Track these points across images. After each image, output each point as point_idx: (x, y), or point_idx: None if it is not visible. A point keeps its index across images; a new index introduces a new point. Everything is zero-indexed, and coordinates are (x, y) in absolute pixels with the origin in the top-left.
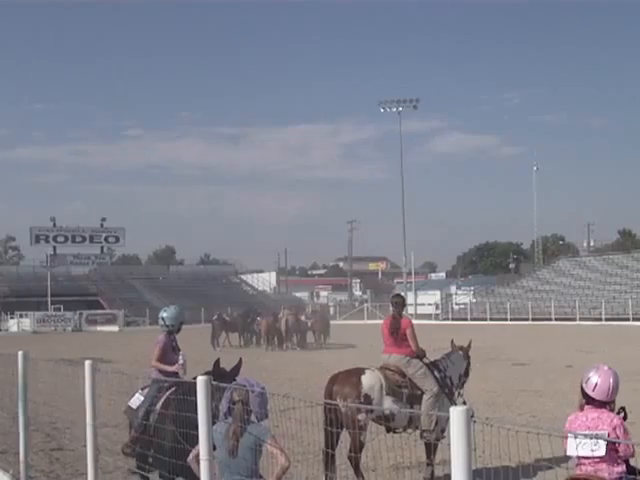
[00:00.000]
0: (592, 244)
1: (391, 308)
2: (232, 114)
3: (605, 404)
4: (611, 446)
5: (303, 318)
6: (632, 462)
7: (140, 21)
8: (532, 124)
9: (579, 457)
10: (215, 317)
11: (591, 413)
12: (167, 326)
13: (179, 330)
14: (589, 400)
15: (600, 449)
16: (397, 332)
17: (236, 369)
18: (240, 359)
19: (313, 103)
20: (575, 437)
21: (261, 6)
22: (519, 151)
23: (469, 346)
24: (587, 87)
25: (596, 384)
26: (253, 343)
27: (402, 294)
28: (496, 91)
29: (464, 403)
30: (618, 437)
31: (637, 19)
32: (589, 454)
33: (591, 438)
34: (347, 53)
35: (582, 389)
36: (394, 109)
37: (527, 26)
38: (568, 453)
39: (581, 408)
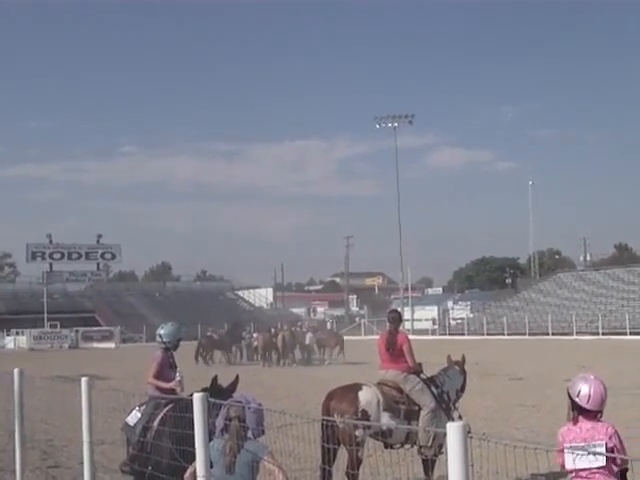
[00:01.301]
0: (588, 258)
1: (387, 324)
2: (227, 130)
3: (596, 414)
4: (609, 460)
5: (307, 334)
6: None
7: (133, 38)
8: (527, 139)
9: (577, 470)
10: (208, 333)
11: (585, 424)
12: (164, 343)
13: (176, 347)
14: (582, 412)
15: (599, 459)
16: (394, 348)
17: (233, 385)
18: (237, 376)
19: (308, 119)
20: (572, 450)
21: (255, 22)
22: (514, 166)
23: (463, 361)
24: (581, 102)
25: (589, 395)
26: (238, 360)
27: (398, 309)
28: (491, 106)
29: (460, 418)
30: (615, 446)
31: (630, 35)
32: (587, 465)
33: (589, 453)
34: (342, 69)
35: (573, 402)
36: (389, 124)
37: (521, 41)
38: (567, 467)
39: (574, 421)
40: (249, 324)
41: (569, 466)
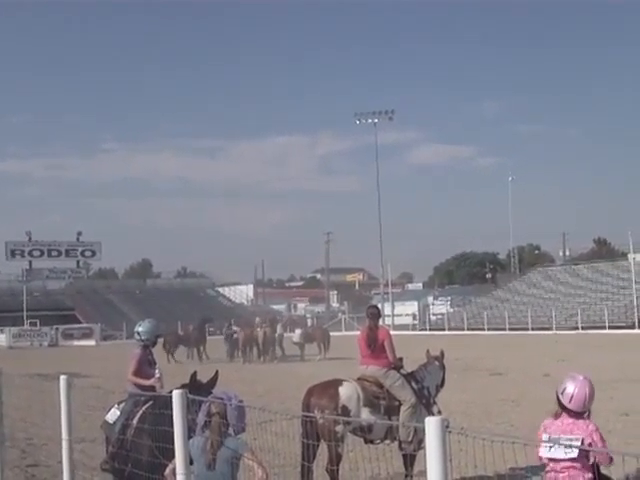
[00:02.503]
0: (567, 253)
1: (367, 319)
2: (210, 127)
3: (581, 414)
4: (583, 454)
5: (296, 330)
6: (603, 469)
7: (117, 34)
8: (508, 134)
9: (550, 460)
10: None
11: (566, 419)
12: (143, 340)
13: (155, 344)
14: (565, 410)
15: (573, 451)
16: (374, 344)
17: (212, 382)
18: (217, 371)
19: (290, 115)
20: (549, 441)
21: (238, 20)
22: (495, 161)
23: (442, 356)
24: (562, 98)
25: (572, 395)
26: (200, 358)
27: (377, 305)
28: (471, 102)
29: (439, 413)
30: (594, 441)
31: (613, 32)
32: (562, 456)
33: (564, 445)
34: (324, 64)
35: (558, 399)
36: (369, 120)
37: (504, 37)
38: (540, 454)
39: (556, 416)
40: (229, 320)
41: (544, 454)
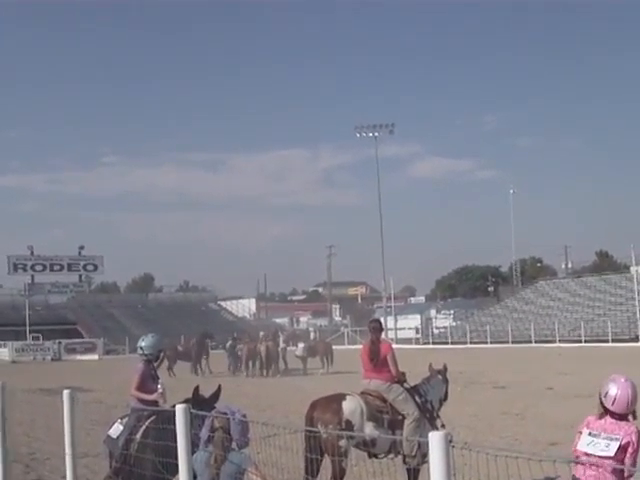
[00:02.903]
0: (570, 266)
1: (369, 333)
2: (210, 140)
3: (624, 416)
4: (620, 454)
5: (299, 343)
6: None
7: (116, 48)
8: (508, 147)
9: (585, 454)
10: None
11: (610, 419)
12: (146, 355)
13: (158, 358)
14: (609, 413)
15: (610, 450)
16: (377, 357)
17: (215, 396)
18: (219, 385)
19: (291, 129)
20: (589, 434)
21: (238, 33)
22: (496, 174)
23: (445, 369)
24: (563, 110)
25: (615, 398)
26: (202, 372)
27: (379, 318)
28: (472, 115)
29: (443, 427)
30: (632, 442)
31: (613, 44)
32: (598, 453)
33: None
34: (324, 78)
35: (601, 402)
36: (370, 134)
37: (503, 50)
38: (578, 448)
39: (600, 416)
40: (232, 334)
41: (581, 448)
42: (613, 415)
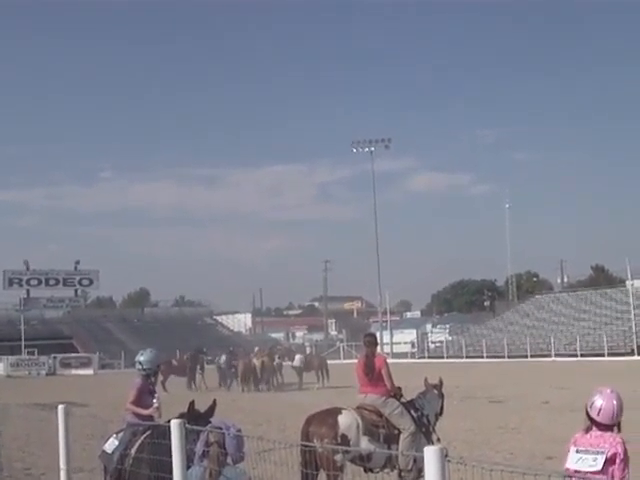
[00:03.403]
0: (566, 280)
1: (364, 347)
2: (207, 156)
3: (610, 427)
4: (608, 466)
5: (297, 355)
6: None
7: (114, 62)
8: (504, 162)
9: (575, 472)
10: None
11: (595, 432)
12: (145, 370)
13: (156, 373)
14: (595, 424)
15: (597, 465)
16: (372, 372)
17: (210, 410)
18: (214, 400)
19: (288, 144)
20: (577, 451)
21: (234, 49)
22: (492, 189)
23: (441, 384)
24: (559, 124)
25: (600, 408)
26: (197, 387)
27: (374, 333)
28: (468, 129)
29: (438, 441)
30: (618, 453)
31: (608, 57)
32: (587, 469)
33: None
34: (319, 93)
35: (587, 413)
36: (366, 149)
37: (501, 64)
38: (568, 466)
39: (587, 430)
40: (227, 349)
41: (570, 466)
42: (599, 426)
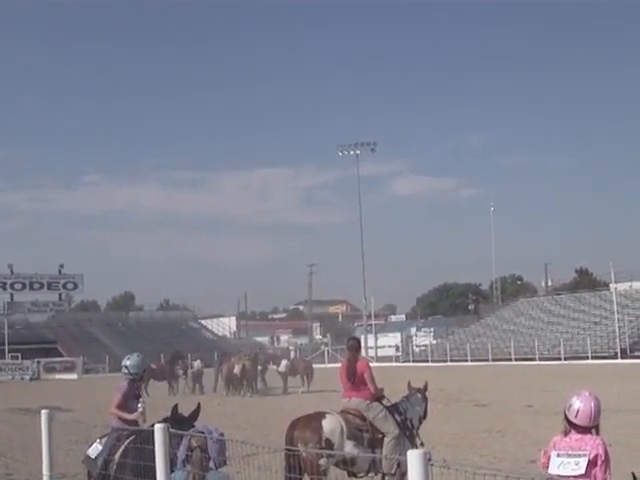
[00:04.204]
0: (550, 283)
1: (347, 351)
2: (192, 159)
3: (588, 429)
4: (590, 469)
5: (283, 360)
6: None
7: (98, 67)
8: (490, 166)
9: (559, 477)
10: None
11: (575, 435)
12: (131, 374)
13: (142, 378)
14: (573, 426)
15: (580, 468)
16: (354, 376)
17: (194, 415)
18: (199, 404)
19: (273, 148)
20: (557, 455)
21: (220, 53)
22: (477, 193)
23: (426, 388)
24: (545, 129)
25: (578, 410)
26: (176, 391)
27: (357, 336)
28: (454, 134)
29: (422, 445)
30: (599, 454)
31: (596, 61)
32: (570, 473)
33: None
34: (305, 97)
35: (565, 416)
36: (352, 152)
37: (487, 68)
38: (550, 472)
39: (565, 433)
40: (213, 353)
41: (553, 471)
42: (577, 429)
